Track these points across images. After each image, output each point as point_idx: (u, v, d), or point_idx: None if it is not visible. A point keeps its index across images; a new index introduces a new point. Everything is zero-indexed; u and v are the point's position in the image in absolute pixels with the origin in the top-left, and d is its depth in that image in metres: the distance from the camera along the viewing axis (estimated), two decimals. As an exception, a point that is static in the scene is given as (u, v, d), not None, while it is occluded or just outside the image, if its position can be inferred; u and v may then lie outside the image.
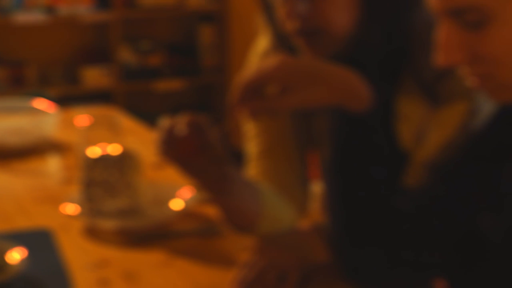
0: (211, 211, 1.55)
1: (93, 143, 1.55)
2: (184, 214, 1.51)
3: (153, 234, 1.43)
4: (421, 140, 1.26)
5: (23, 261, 1.24)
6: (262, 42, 1.40)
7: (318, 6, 1.20)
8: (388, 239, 1.13)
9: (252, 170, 1.41)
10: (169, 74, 4.57)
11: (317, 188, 1.50)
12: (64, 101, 3.45)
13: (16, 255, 1.26)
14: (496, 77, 0.94)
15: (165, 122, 1.22)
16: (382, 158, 1.13)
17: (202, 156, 1.21)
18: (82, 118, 1.63)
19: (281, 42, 1.30)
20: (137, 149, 1.57)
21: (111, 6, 4.30)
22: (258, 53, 1.40)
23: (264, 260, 1.23)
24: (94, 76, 4.38)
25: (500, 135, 1.08)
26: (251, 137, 1.43)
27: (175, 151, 1.21)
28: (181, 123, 1.20)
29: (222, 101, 1.17)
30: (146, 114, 3.92)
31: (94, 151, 1.53)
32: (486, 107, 1.19)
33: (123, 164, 1.53)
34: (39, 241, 1.40)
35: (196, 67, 4.65)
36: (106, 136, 1.59)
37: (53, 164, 1.93)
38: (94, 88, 4.35)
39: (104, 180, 1.50)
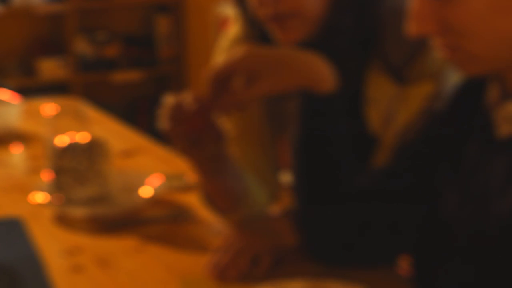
0: (181, 198, 1.57)
1: (61, 132, 1.56)
2: (154, 201, 1.53)
3: (124, 221, 1.44)
4: (389, 123, 1.29)
5: (-5, 249, 1.24)
6: (233, 30, 1.41)
7: None
8: (350, 217, 1.16)
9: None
10: (126, 65, 4.55)
11: (286, 177, 1.53)
12: (21, 92, 3.41)
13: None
14: (465, 48, 0.97)
15: (170, 99, 1.21)
16: (345, 139, 1.16)
17: (207, 132, 1.21)
18: (49, 107, 1.63)
19: (253, 29, 1.32)
20: (104, 138, 1.58)
21: (67, -4, 4.28)
22: (229, 39, 1.41)
23: (238, 244, 1.25)
24: (50, 68, 4.34)
25: (459, 117, 1.11)
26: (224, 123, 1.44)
27: (184, 126, 1.20)
28: (187, 99, 1.19)
29: (180, 91, 1.20)
30: (104, 105, 3.90)
31: (62, 140, 1.53)
32: (449, 89, 1.23)
33: (91, 152, 1.53)
34: (10, 230, 1.40)
35: (153, 58, 4.64)
36: (73, 125, 1.59)
37: (18, 154, 1.93)
38: (50, 79, 4.31)
39: (73, 168, 1.51)
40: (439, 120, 1.15)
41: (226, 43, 1.43)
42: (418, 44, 1.25)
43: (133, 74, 4.54)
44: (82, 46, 4.43)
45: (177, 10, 4.57)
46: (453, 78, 1.29)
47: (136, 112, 4.68)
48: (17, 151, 1.94)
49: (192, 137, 1.21)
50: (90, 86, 4.45)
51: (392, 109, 1.29)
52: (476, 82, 1.10)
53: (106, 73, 4.48)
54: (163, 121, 1.20)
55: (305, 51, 1.13)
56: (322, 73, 1.12)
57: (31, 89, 4.02)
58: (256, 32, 1.32)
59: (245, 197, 1.36)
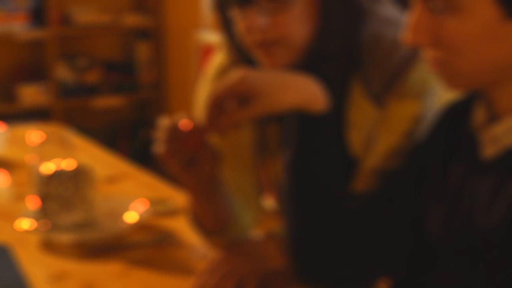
0: (165, 222, 1.60)
1: (46, 159, 1.58)
2: (139, 226, 1.55)
3: (110, 246, 1.46)
4: (370, 146, 1.33)
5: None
6: (218, 58, 1.45)
7: (277, 18, 1.25)
8: (338, 239, 1.19)
9: None
10: (107, 91, 4.57)
11: (268, 201, 1.56)
12: (2, 119, 3.43)
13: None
14: (453, 64, 1.02)
15: (165, 121, 1.24)
16: (335, 160, 1.20)
17: (202, 152, 1.23)
18: (34, 135, 1.65)
19: (240, 56, 1.35)
20: (89, 164, 1.60)
21: (47, 24, 4.29)
22: (215, 67, 1.45)
23: (224, 268, 1.28)
24: (31, 94, 4.35)
25: (444, 137, 1.16)
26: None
27: (179, 146, 1.22)
28: (183, 121, 1.21)
29: (160, 116, 1.24)
30: (85, 131, 3.93)
31: (47, 167, 1.55)
32: (430, 115, 1.28)
33: (77, 179, 1.56)
34: (-3, 256, 1.42)
35: (133, 83, 4.66)
36: (58, 152, 1.62)
37: (3, 181, 1.94)
38: (31, 105, 4.32)
39: (59, 195, 1.53)
40: (424, 143, 1.19)
41: (213, 70, 1.47)
42: (397, 69, 1.29)
43: (114, 99, 4.56)
44: (62, 72, 4.45)
45: (157, 36, 4.60)
46: (437, 100, 1.33)
47: (117, 137, 4.70)
48: (1, 178, 1.95)
49: (187, 157, 1.23)
50: (71, 111, 4.46)
51: (373, 132, 1.33)
52: (463, 104, 1.14)
53: (87, 98, 4.50)
54: (159, 144, 1.23)
55: (297, 72, 1.16)
56: (315, 93, 1.16)
57: (12, 115, 4.03)
58: (242, 58, 1.35)
59: (232, 219, 1.39)
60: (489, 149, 1.06)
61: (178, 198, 1.73)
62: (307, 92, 1.15)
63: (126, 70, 4.67)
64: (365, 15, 1.30)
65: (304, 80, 1.16)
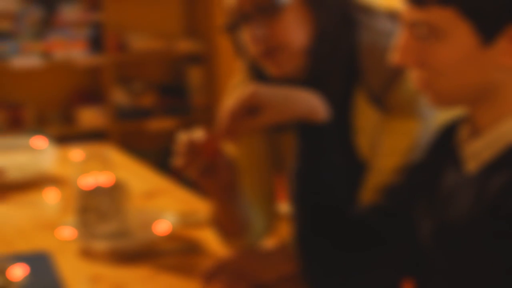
0: (193, 233, 1.74)
1: (87, 175, 1.74)
2: (169, 235, 1.70)
3: (140, 253, 1.61)
4: (376, 149, 1.45)
5: (24, 279, 1.42)
6: (237, 77, 1.61)
7: (274, 27, 1.40)
8: (342, 246, 1.31)
9: None
10: (161, 114, 4.76)
11: (283, 208, 1.69)
12: (61, 140, 3.63)
13: (17, 274, 1.43)
14: (435, 84, 1.14)
15: (183, 136, 1.40)
16: (340, 168, 1.32)
17: (218, 161, 1.39)
18: (76, 153, 1.81)
19: (253, 71, 1.50)
20: (128, 180, 1.76)
21: (104, 50, 4.51)
22: (234, 85, 1.60)
23: (230, 270, 1.41)
24: (89, 117, 4.57)
25: (437, 154, 1.27)
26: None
27: (195, 157, 1.37)
28: (199, 134, 1.38)
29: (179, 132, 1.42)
30: (140, 152, 4.11)
31: (87, 182, 1.71)
32: (428, 134, 1.39)
33: (113, 193, 1.71)
34: (38, 262, 1.57)
35: (185, 106, 4.83)
36: (98, 169, 1.77)
37: (50, 195, 2.12)
38: (89, 128, 4.53)
39: (96, 208, 1.69)
40: (420, 160, 1.31)
41: (232, 89, 1.62)
42: (395, 71, 1.42)
43: (167, 122, 4.74)
44: (119, 96, 4.66)
45: (208, 61, 4.77)
46: (435, 120, 1.44)
47: (170, 158, 4.86)
48: (49, 192, 2.13)
49: (203, 165, 1.39)
50: (127, 133, 4.66)
51: (378, 135, 1.45)
52: (456, 123, 1.26)
53: (142, 121, 4.69)
54: (177, 157, 1.38)
55: (300, 88, 1.31)
56: (316, 105, 1.29)
57: (71, 136, 4.24)
58: (256, 73, 1.50)
59: (248, 225, 1.52)
60: (471, 164, 1.17)
61: (207, 210, 1.87)
62: (308, 104, 1.29)
63: (179, 94, 4.85)
64: (357, 25, 1.44)
65: (305, 94, 1.30)
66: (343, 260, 1.32)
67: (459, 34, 1.10)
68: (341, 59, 1.44)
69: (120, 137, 4.58)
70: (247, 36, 1.42)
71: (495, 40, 1.08)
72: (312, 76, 1.43)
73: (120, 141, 4.43)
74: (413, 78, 1.17)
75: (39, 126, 4.38)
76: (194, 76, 4.84)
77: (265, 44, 1.40)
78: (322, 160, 1.31)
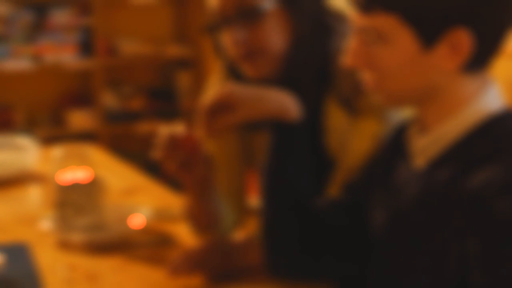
0: (167, 227, 1.81)
1: (65, 171, 1.81)
2: (142, 229, 1.77)
3: (115, 245, 1.69)
4: (344, 149, 1.54)
5: (1, 265, 1.49)
6: (215, 76, 1.70)
7: (255, 32, 1.47)
8: (303, 236, 1.39)
9: None
10: (149, 117, 4.84)
11: (253, 203, 1.77)
12: (51, 142, 3.70)
13: (-3, 261, 1.51)
14: (383, 85, 1.22)
15: (163, 129, 1.48)
16: (306, 165, 1.40)
17: (195, 156, 1.47)
18: (56, 150, 1.89)
19: (230, 71, 1.59)
20: (107, 177, 1.84)
21: (94, 54, 4.59)
22: (212, 84, 1.69)
23: (194, 258, 1.50)
24: (79, 119, 4.64)
25: (392, 149, 1.36)
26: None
27: (176, 150, 1.46)
28: (179, 128, 1.47)
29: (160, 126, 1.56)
30: (128, 154, 4.18)
31: (66, 178, 1.79)
32: (387, 133, 1.47)
33: (90, 188, 1.79)
34: (17, 252, 1.65)
35: (174, 110, 4.91)
36: (76, 165, 1.85)
37: (32, 192, 2.20)
38: (79, 130, 4.61)
39: (73, 202, 1.76)
40: (377, 156, 1.39)
41: (211, 87, 1.70)
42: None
43: (156, 125, 4.80)
44: (108, 99, 4.73)
45: (197, 65, 4.86)
46: (396, 117, 1.53)
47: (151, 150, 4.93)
48: (31, 189, 2.21)
49: (181, 159, 1.47)
50: (116, 136, 4.73)
51: (346, 136, 1.54)
52: (406, 122, 1.34)
53: (131, 124, 4.77)
54: (157, 149, 1.46)
55: (274, 88, 1.39)
56: (288, 105, 1.38)
57: (61, 138, 4.31)
58: (233, 73, 1.58)
59: (220, 218, 1.60)
60: (419, 159, 1.25)
61: (181, 206, 1.95)
62: (280, 103, 1.37)
63: (167, 98, 4.93)
64: (331, 32, 1.52)
65: (278, 93, 1.38)
66: (304, 252, 1.40)
67: (402, 39, 1.18)
68: (315, 64, 1.51)
69: (109, 139, 4.65)
70: (228, 38, 1.49)
71: (435, 45, 1.16)
72: (286, 79, 1.50)
73: (110, 144, 4.51)
74: (364, 79, 1.25)
75: (29, 128, 4.45)
76: (183, 80, 4.92)
77: (245, 47, 1.47)
78: (291, 157, 1.39)
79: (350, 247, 1.40)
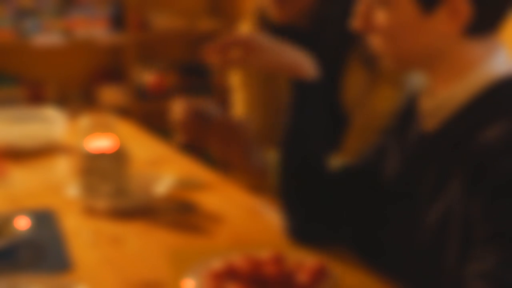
0: (190, 195, 1.83)
1: (92, 140, 1.84)
2: (166, 196, 1.79)
3: (138, 211, 1.71)
4: (361, 107, 1.55)
5: (27, 230, 1.53)
6: (244, 26, 1.77)
7: None
8: (319, 195, 1.42)
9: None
10: (182, 93, 4.86)
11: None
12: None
13: (22, 224, 1.54)
14: (385, 48, 1.25)
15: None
16: (322, 122, 1.43)
17: (234, 139, 1.58)
18: (84, 120, 1.92)
19: (260, 18, 1.68)
20: (134, 148, 1.89)
21: (126, 29, 4.61)
22: (244, 30, 1.76)
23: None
24: (110, 95, 4.68)
25: (401, 120, 1.37)
26: (237, 108, 1.87)
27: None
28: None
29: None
30: (160, 131, 4.20)
31: (92, 146, 1.81)
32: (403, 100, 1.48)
33: (116, 156, 1.81)
34: (43, 217, 1.68)
35: (206, 86, 4.92)
36: (102, 134, 1.88)
37: (60, 161, 2.24)
38: (110, 106, 4.64)
39: (99, 169, 1.79)
40: (393, 122, 1.41)
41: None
42: None
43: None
44: (140, 75, 4.76)
45: (229, 40, 4.85)
46: (414, 84, 1.53)
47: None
48: (59, 159, 2.25)
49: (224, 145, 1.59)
50: (147, 112, 4.76)
51: (364, 95, 1.55)
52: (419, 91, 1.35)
53: (163, 100, 4.79)
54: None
55: (294, 46, 1.43)
56: (304, 63, 1.42)
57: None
58: (262, 23, 1.67)
59: (268, 166, 1.65)
60: (428, 122, 1.26)
61: (205, 176, 1.98)
62: (296, 60, 1.42)
63: (200, 73, 4.93)
64: None
65: (296, 51, 1.43)
66: (318, 211, 1.43)
67: (402, 3, 1.20)
68: (342, 20, 1.53)
69: (140, 116, 4.68)
70: None
71: (434, 10, 1.17)
72: (312, 30, 1.54)
73: (141, 120, 4.53)
74: (372, 44, 1.26)
75: (60, 104, 4.50)
76: (215, 55, 4.91)
77: None
78: (306, 114, 1.42)
79: (362, 210, 1.42)
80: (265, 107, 1.79)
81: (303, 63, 1.41)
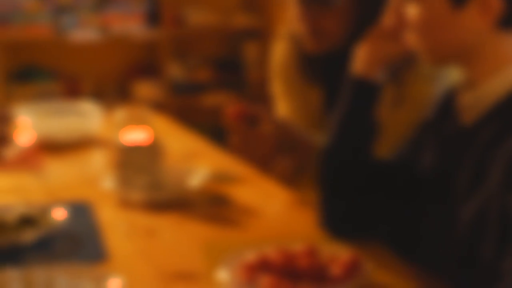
0: (224, 188, 1.85)
1: (127, 133, 1.86)
2: (200, 189, 1.81)
3: (172, 203, 1.73)
4: (389, 116, 1.57)
5: (64, 221, 1.55)
6: (284, 29, 1.84)
7: (325, 14, 1.60)
8: (362, 190, 1.42)
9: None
10: (216, 89, 4.87)
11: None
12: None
13: (58, 216, 1.56)
14: (420, 43, 1.26)
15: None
16: (370, 126, 1.43)
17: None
18: (119, 113, 1.94)
19: (294, 46, 1.75)
20: (168, 142, 1.92)
21: (161, 25, 4.64)
22: (283, 37, 1.84)
23: None
24: (145, 90, 4.71)
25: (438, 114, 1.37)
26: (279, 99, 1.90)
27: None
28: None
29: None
30: (194, 126, 4.22)
31: (127, 139, 1.84)
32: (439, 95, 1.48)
33: (151, 149, 1.83)
34: (79, 209, 1.71)
35: (241, 81, 4.94)
36: (138, 127, 1.90)
37: (95, 154, 2.26)
38: (145, 101, 4.68)
39: (134, 162, 1.81)
40: (429, 118, 1.40)
41: (278, 67, 1.88)
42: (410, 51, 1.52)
43: (223, 96, 4.84)
44: (174, 70, 4.79)
45: (265, 35, 4.86)
46: (447, 81, 1.54)
47: (224, 132, 4.97)
48: (95, 152, 2.28)
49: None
50: (182, 108, 4.79)
51: (392, 104, 1.57)
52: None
53: (197, 95, 4.82)
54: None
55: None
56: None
57: (127, 109, 4.39)
58: (297, 48, 1.74)
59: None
60: (466, 116, 1.25)
61: (239, 170, 1.99)
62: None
63: (234, 69, 4.94)
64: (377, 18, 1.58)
65: None
66: (358, 206, 1.43)
67: None
68: None
69: (175, 111, 4.70)
70: (298, 11, 1.63)
71: (465, 5, 1.17)
72: (341, 55, 1.58)
73: (176, 115, 4.55)
74: (406, 40, 1.27)
75: (96, 99, 4.54)
76: (250, 51, 4.93)
77: (314, 25, 1.63)
78: (364, 109, 1.43)
79: (399, 205, 1.42)
80: (306, 116, 1.83)
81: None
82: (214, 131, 4.89)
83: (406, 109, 1.60)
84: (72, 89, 4.56)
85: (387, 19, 1.27)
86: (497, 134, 1.18)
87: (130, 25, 4.58)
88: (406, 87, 1.60)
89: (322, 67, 1.75)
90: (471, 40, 1.20)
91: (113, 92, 4.71)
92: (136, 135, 1.85)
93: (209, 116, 4.92)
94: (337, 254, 1.31)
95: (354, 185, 1.42)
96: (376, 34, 1.40)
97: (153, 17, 4.64)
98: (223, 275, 1.26)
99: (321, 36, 1.64)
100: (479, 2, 1.16)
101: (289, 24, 1.76)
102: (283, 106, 1.92)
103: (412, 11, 1.22)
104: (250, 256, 1.30)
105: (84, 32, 4.46)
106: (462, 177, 1.24)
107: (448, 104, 1.35)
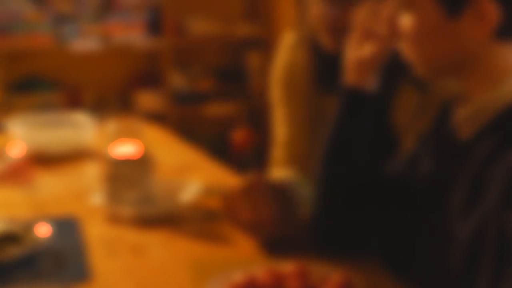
0: (215, 203, 1.79)
1: (117, 145, 1.81)
2: (191, 204, 1.75)
3: (162, 219, 1.67)
4: (412, 129, 1.52)
5: (49, 237, 1.50)
6: (290, 36, 1.82)
7: (346, 10, 1.55)
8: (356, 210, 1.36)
9: (279, 153, 1.86)
10: (218, 98, 4.83)
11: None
12: (117, 122, 3.74)
13: (43, 232, 1.51)
14: (413, 54, 1.21)
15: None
16: (370, 138, 1.37)
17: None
18: (109, 125, 1.89)
19: (308, 37, 1.71)
20: (161, 154, 1.87)
21: (163, 34, 4.60)
22: (288, 45, 1.82)
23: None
24: (147, 100, 4.67)
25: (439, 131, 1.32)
26: (279, 125, 1.86)
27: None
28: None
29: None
30: (196, 136, 4.18)
31: (117, 152, 1.78)
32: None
33: (141, 163, 1.78)
34: (65, 225, 1.65)
35: (243, 91, 4.89)
36: (128, 140, 1.85)
37: (87, 167, 2.21)
38: (146, 111, 4.64)
39: (124, 176, 1.76)
40: (428, 132, 1.35)
41: (286, 49, 1.86)
42: None
43: (225, 106, 4.80)
44: (176, 80, 4.75)
45: (268, 45, 4.81)
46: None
47: (227, 143, 4.94)
48: (87, 164, 2.22)
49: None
50: (184, 117, 4.74)
51: (415, 118, 1.53)
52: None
53: (199, 105, 4.77)
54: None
55: None
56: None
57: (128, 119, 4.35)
58: (310, 40, 1.69)
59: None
60: (462, 131, 1.20)
61: (232, 183, 1.93)
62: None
63: (237, 78, 4.90)
64: None
65: None
66: (352, 222, 1.39)
67: (425, 6, 1.15)
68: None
69: (177, 121, 4.67)
70: (318, 8, 1.60)
71: (460, 14, 1.12)
72: None
73: (177, 125, 4.52)
74: (402, 51, 1.22)
75: (97, 109, 4.51)
76: (253, 60, 4.89)
77: (334, 22, 1.58)
78: (355, 127, 1.36)
79: (393, 221, 1.37)
80: (304, 124, 1.81)
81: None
82: (216, 140, 4.86)
83: (430, 117, 1.56)
84: (73, 99, 4.52)
85: (381, 28, 1.22)
86: (494, 150, 1.12)
87: (132, 34, 4.54)
88: (432, 96, 1.56)
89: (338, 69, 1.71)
90: (467, 51, 1.14)
91: (115, 102, 4.67)
92: (126, 148, 1.80)
93: (211, 126, 4.88)
94: (329, 275, 1.25)
95: (347, 199, 1.37)
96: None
97: (155, 26, 4.60)
98: (208, 296, 1.20)
99: (341, 35, 1.56)
100: (474, 11, 1.11)
101: (306, 26, 1.73)
102: (281, 113, 1.89)
103: (405, 21, 1.17)
104: (238, 276, 1.25)
105: (85, 42, 4.42)
106: (458, 194, 1.18)
107: (444, 118, 1.29)
